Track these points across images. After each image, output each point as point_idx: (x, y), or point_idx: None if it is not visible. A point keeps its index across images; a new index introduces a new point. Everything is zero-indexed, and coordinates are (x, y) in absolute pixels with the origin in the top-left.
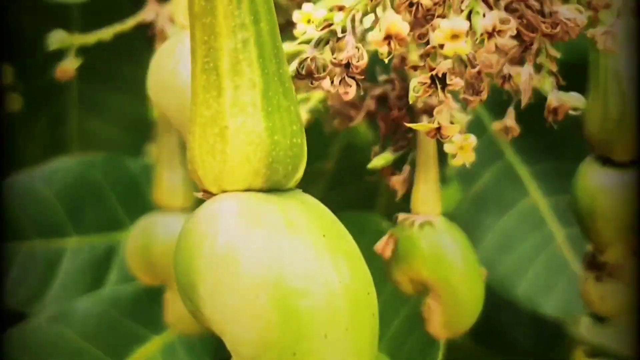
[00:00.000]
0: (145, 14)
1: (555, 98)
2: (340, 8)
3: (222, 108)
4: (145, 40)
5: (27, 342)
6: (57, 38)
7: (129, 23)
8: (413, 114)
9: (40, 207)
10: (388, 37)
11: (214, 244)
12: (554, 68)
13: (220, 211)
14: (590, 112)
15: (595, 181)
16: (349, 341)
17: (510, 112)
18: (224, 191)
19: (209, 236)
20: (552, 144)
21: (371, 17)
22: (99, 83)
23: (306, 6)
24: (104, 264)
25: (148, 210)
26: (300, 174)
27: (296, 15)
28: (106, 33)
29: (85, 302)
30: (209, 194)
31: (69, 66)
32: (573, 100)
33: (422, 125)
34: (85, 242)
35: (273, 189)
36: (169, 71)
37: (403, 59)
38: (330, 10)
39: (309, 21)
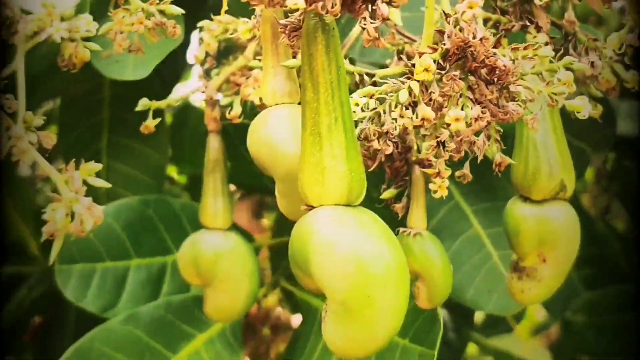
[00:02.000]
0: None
1: (500, 156)
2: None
3: (322, 157)
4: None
5: (106, 338)
6: (142, 103)
7: (187, 94)
8: (409, 165)
9: (111, 236)
10: (422, 120)
11: (319, 236)
12: (498, 137)
13: (321, 216)
14: (516, 167)
15: (519, 212)
16: (396, 292)
17: (467, 165)
18: (321, 205)
19: (314, 232)
20: (487, 189)
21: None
22: (127, 136)
23: (354, 94)
24: (158, 280)
25: (184, 236)
26: (363, 196)
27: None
28: (174, 100)
29: (146, 308)
30: (311, 207)
31: (150, 123)
32: (509, 159)
33: (430, 170)
34: (144, 263)
35: (349, 204)
36: (265, 133)
37: (405, 128)
38: (370, 96)
39: (356, 104)
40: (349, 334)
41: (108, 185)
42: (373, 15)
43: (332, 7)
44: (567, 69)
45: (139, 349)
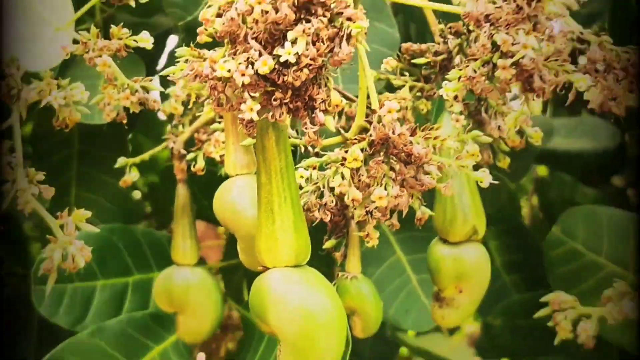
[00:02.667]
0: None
1: (420, 213)
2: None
3: (274, 229)
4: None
5: (75, 350)
6: (120, 161)
7: (158, 149)
8: (346, 219)
9: None
10: (352, 200)
11: (273, 293)
12: (420, 196)
13: (274, 277)
14: (436, 215)
15: (439, 253)
16: (335, 335)
17: (395, 216)
18: (275, 267)
19: (269, 289)
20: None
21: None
22: (94, 167)
23: (300, 168)
24: (121, 298)
25: (147, 262)
26: (308, 258)
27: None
28: (147, 155)
29: (110, 323)
30: (266, 268)
31: (129, 178)
32: (429, 212)
33: (361, 233)
34: (108, 283)
35: (297, 265)
36: (230, 200)
37: (342, 195)
38: (313, 167)
39: (301, 176)
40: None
41: (97, 230)
42: (312, 121)
43: (280, 117)
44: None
45: (102, 358)
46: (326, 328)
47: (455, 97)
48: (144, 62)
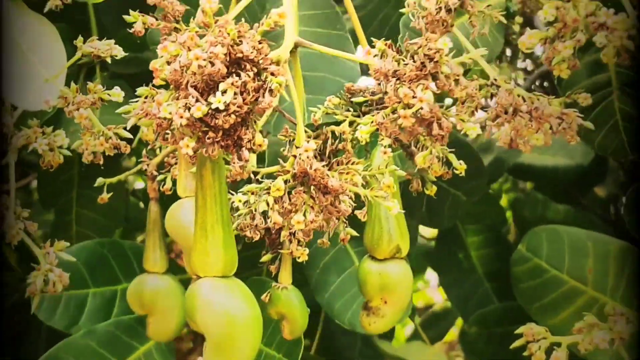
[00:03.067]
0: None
1: (343, 234)
2: (252, 192)
3: (206, 244)
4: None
5: (69, 349)
6: (99, 181)
7: (133, 170)
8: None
9: (73, 271)
10: (274, 223)
11: (202, 298)
12: (344, 219)
13: (204, 285)
14: (366, 235)
15: (367, 268)
16: (252, 335)
17: (326, 236)
18: (205, 276)
19: (199, 295)
20: None
21: (264, 205)
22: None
23: (239, 193)
24: (110, 304)
25: (134, 272)
26: (235, 270)
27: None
28: (124, 176)
29: (100, 326)
30: (198, 277)
31: (105, 196)
32: (353, 232)
33: (285, 250)
34: (99, 291)
35: (225, 276)
36: (177, 218)
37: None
38: (251, 192)
39: (239, 200)
40: (217, 352)
41: (73, 259)
42: (239, 157)
43: (212, 152)
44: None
45: (95, 358)
46: (244, 330)
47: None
48: None
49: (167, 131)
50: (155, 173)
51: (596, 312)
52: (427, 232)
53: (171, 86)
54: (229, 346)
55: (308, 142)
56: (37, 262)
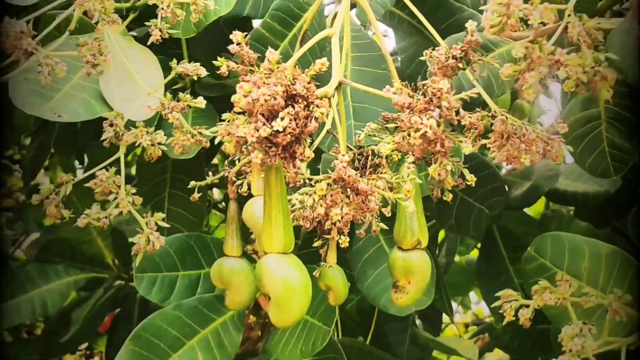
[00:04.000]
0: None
1: (375, 225)
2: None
3: (271, 229)
4: None
5: (162, 318)
6: (192, 183)
7: (217, 176)
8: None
9: (167, 256)
10: (319, 214)
11: (267, 267)
12: (376, 215)
13: (269, 258)
14: (395, 230)
15: (395, 255)
16: (303, 296)
17: (343, 234)
18: (270, 252)
19: (265, 266)
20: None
21: (311, 200)
22: (181, 189)
23: (297, 194)
24: (195, 284)
25: (214, 259)
26: (292, 249)
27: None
28: (210, 180)
29: (187, 301)
30: (265, 253)
31: (196, 195)
32: (383, 225)
33: (330, 237)
34: (186, 274)
35: (284, 252)
36: (251, 211)
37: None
38: (306, 194)
39: (296, 199)
40: (280, 315)
41: (167, 225)
42: (293, 166)
43: (274, 162)
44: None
45: (181, 325)
46: (298, 292)
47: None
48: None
49: (244, 146)
50: (234, 179)
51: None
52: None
53: (246, 113)
54: (286, 303)
55: (344, 155)
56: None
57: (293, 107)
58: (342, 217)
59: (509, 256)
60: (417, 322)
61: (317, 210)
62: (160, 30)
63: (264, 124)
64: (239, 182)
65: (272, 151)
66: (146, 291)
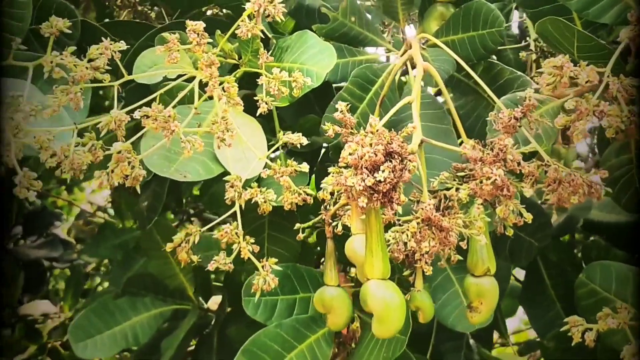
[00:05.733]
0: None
1: (453, 257)
2: (398, 231)
3: (372, 260)
4: None
5: (267, 335)
6: (296, 226)
7: (316, 220)
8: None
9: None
10: (411, 248)
11: (370, 291)
12: (454, 249)
13: (371, 283)
14: (468, 260)
15: (469, 281)
16: (399, 314)
17: (443, 260)
18: (372, 279)
19: (369, 289)
20: (463, 267)
21: (405, 237)
22: (278, 231)
23: (390, 231)
24: (292, 307)
25: (308, 287)
26: (389, 275)
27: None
28: (311, 223)
29: (286, 321)
30: (367, 279)
31: (301, 236)
32: (459, 257)
33: (419, 266)
34: (284, 298)
35: (383, 279)
36: (352, 248)
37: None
38: (396, 232)
39: (389, 236)
40: (381, 328)
41: (280, 269)
42: (391, 208)
43: (376, 205)
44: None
45: (282, 341)
46: (395, 310)
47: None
48: None
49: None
50: (330, 220)
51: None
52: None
53: (352, 167)
54: (386, 319)
55: (429, 199)
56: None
57: (391, 161)
58: (429, 250)
59: (551, 283)
60: (471, 341)
61: (409, 244)
62: (266, 103)
63: (368, 176)
64: (334, 223)
65: (374, 197)
66: (253, 312)
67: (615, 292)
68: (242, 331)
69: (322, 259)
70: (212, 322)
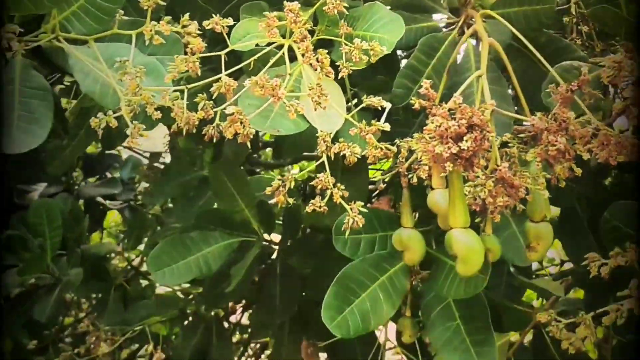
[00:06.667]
0: None
1: (519, 208)
2: (475, 186)
3: (455, 211)
4: None
5: (356, 265)
6: None
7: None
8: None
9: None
10: (486, 202)
11: (454, 237)
12: (518, 200)
13: (455, 231)
14: (528, 208)
15: (529, 225)
16: (479, 255)
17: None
18: (454, 227)
19: (453, 236)
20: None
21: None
22: None
23: (467, 186)
24: (373, 244)
25: (383, 225)
26: (469, 224)
27: None
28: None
29: (369, 256)
30: (451, 228)
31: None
32: (524, 207)
33: (490, 216)
34: (367, 237)
35: (464, 227)
36: (435, 199)
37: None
38: (473, 186)
39: (467, 191)
40: (465, 268)
41: (365, 210)
42: (473, 171)
43: (459, 169)
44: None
45: (366, 273)
46: (475, 252)
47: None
48: None
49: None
50: (406, 172)
51: None
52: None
53: (438, 137)
54: (469, 260)
55: (501, 163)
56: None
57: (472, 132)
58: (502, 204)
59: (585, 217)
60: (512, 269)
61: (487, 200)
62: (345, 68)
63: (453, 145)
64: (409, 175)
65: (457, 162)
66: (341, 248)
67: (636, 228)
68: (302, 261)
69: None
70: (275, 253)
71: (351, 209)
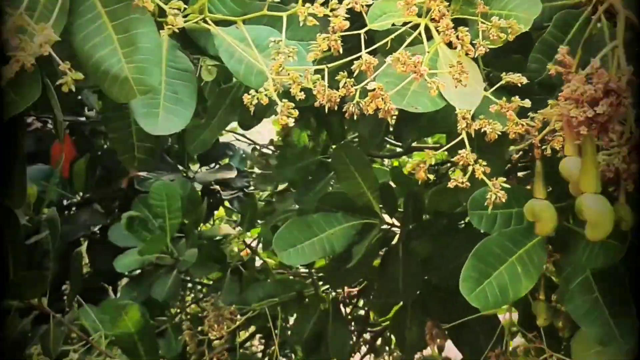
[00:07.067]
0: None
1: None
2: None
3: (587, 177)
4: None
5: (490, 243)
6: None
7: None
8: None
9: None
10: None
11: (585, 201)
12: None
13: (586, 196)
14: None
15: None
16: (607, 218)
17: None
18: (586, 192)
19: (584, 200)
20: None
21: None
22: None
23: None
24: (509, 219)
25: (517, 202)
26: (600, 190)
27: None
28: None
29: (506, 230)
30: (582, 193)
31: None
32: None
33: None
34: (502, 212)
35: (595, 192)
36: (567, 166)
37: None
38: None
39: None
40: (595, 232)
41: (507, 186)
42: (607, 136)
43: (594, 133)
44: None
45: (504, 247)
46: (606, 216)
47: None
48: None
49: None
50: (539, 144)
51: None
52: None
53: (573, 101)
54: (599, 224)
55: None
56: None
57: (608, 97)
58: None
59: None
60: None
61: (620, 166)
62: (483, 46)
63: (589, 109)
64: (543, 146)
65: (593, 127)
66: (477, 223)
67: None
68: (424, 246)
69: None
70: (396, 237)
71: (493, 185)
